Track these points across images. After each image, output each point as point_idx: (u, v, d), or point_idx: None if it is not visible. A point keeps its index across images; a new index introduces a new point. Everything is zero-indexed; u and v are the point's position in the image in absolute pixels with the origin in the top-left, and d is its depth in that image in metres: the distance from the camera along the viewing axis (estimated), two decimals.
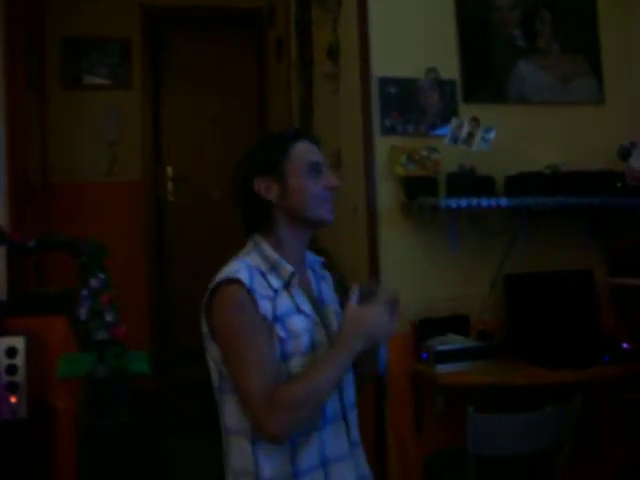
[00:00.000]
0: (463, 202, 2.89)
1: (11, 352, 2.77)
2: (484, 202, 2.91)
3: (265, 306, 1.57)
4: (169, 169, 5.63)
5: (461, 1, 3.24)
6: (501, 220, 3.16)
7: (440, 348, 2.86)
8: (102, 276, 2.86)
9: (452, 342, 2.92)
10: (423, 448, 2.96)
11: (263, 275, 1.63)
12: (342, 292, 3.16)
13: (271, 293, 1.61)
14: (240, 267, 1.59)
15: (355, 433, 1.72)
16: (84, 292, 2.83)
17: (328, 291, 1.85)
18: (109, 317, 2.78)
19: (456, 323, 3.06)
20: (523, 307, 3.13)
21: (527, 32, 3.33)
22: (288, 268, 1.66)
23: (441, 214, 3.05)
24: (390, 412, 3.06)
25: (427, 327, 3.01)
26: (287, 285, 1.66)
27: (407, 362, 3.03)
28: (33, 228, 3.90)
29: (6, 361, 2.77)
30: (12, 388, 2.75)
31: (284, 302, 1.63)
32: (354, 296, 1.64)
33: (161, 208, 5.58)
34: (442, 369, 2.84)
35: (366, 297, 1.64)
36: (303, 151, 1.72)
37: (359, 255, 3.18)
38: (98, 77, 5.33)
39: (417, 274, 3.11)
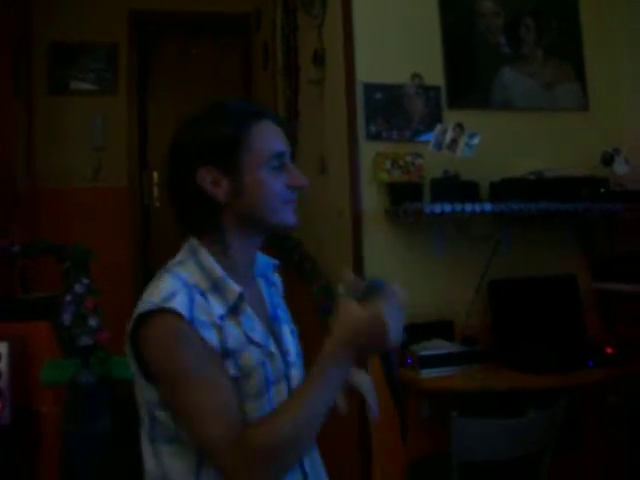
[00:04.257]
0: (447, 207, 2.90)
1: None
2: (468, 207, 2.92)
3: (211, 337, 1.24)
4: (155, 175, 5.63)
5: (446, 8, 3.26)
6: (485, 225, 3.17)
7: (424, 353, 2.86)
8: (86, 281, 2.86)
9: (436, 347, 2.92)
10: (408, 454, 2.96)
11: (204, 296, 1.27)
12: (327, 297, 3.18)
13: (217, 320, 1.26)
14: (176, 289, 1.24)
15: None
16: (68, 297, 2.82)
17: (280, 302, 1.52)
18: (93, 322, 2.78)
19: (441, 328, 3.07)
20: (507, 312, 3.14)
21: (511, 39, 3.35)
22: (235, 289, 1.31)
23: (426, 219, 3.04)
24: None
25: (412, 332, 3.01)
26: (233, 310, 1.30)
27: None
28: (19, 233, 3.89)
29: None
30: None
31: (232, 332, 1.28)
32: (344, 288, 1.29)
33: (147, 214, 5.58)
34: (426, 374, 2.84)
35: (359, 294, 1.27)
36: (265, 136, 1.35)
37: (344, 260, 3.18)
38: (85, 82, 5.33)
39: (402, 279, 3.07)
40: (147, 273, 5.45)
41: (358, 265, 3.08)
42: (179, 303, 1.21)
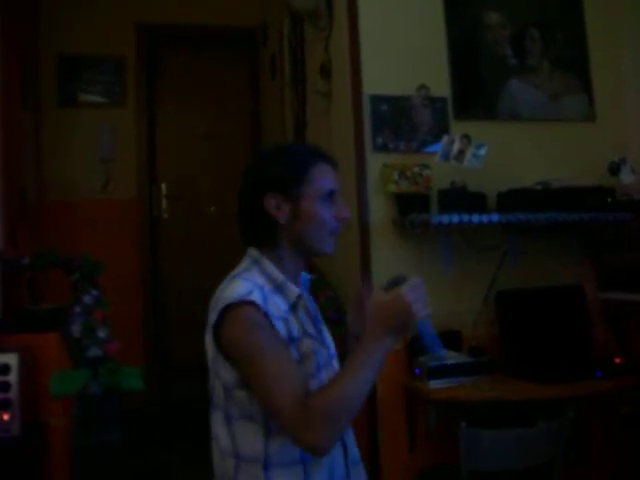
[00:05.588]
0: (455, 218, 2.91)
1: (4, 369, 2.75)
2: (475, 218, 2.92)
3: (280, 327, 1.53)
4: (163, 186, 5.65)
5: (452, 20, 3.28)
6: (493, 236, 3.17)
7: (433, 364, 2.86)
8: (95, 293, 2.87)
9: (445, 358, 2.92)
10: (416, 464, 2.96)
11: (271, 294, 1.58)
12: (335, 309, 3.19)
13: (283, 314, 1.56)
14: (251, 288, 1.53)
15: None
16: (77, 309, 2.83)
17: (317, 307, 1.82)
18: (102, 334, 2.78)
19: (448, 339, 3.06)
20: (515, 323, 3.14)
21: (517, 50, 3.37)
22: (295, 290, 1.63)
23: (433, 230, 3.05)
24: (383, 428, 3.07)
25: (418, 342, 3.01)
26: (293, 307, 1.61)
27: (400, 378, 3.03)
28: (27, 245, 3.90)
29: None
30: (5, 405, 2.74)
31: (293, 324, 1.59)
32: (380, 285, 1.59)
33: (156, 225, 5.60)
34: (435, 385, 2.85)
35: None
36: (322, 175, 1.66)
37: (352, 272, 3.19)
38: (93, 95, 5.37)
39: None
40: (155, 284, 5.47)
41: (366, 275, 3.08)
42: (255, 297, 1.51)
